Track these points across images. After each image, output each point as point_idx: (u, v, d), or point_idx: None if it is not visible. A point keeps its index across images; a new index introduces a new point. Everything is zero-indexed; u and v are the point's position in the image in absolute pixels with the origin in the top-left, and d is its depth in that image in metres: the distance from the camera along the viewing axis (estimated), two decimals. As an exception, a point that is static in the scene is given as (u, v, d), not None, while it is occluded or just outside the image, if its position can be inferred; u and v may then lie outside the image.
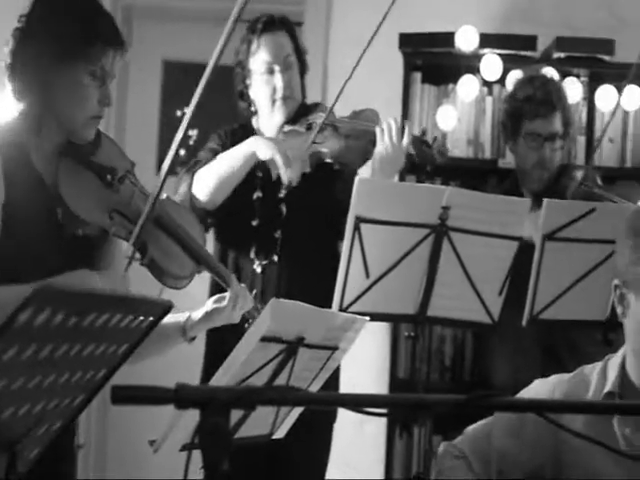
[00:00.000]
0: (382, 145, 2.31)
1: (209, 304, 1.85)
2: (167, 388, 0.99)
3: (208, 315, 1.84)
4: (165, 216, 1.80)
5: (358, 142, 2.40)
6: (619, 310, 1.64)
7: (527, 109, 2.77)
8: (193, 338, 1.85)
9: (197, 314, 1.85)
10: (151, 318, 1.20)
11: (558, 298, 2.23)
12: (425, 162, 2.40)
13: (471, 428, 1.76)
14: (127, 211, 1.73)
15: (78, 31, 1.64)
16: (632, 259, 1.58)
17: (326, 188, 2.46)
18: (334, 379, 2.45)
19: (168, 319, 1.53)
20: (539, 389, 1.74)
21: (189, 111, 1.70)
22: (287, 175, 2.30)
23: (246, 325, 1.87)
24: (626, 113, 3.26)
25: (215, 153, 2.47)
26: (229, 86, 2.57)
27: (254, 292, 2.06)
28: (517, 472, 1.71)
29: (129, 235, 1.68)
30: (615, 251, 2.18)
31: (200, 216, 2.42)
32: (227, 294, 1.84)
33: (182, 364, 2.45)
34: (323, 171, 2.43)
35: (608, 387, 1.65)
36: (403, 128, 2.35)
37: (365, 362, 3.24)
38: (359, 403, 1.19)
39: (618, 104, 3.18)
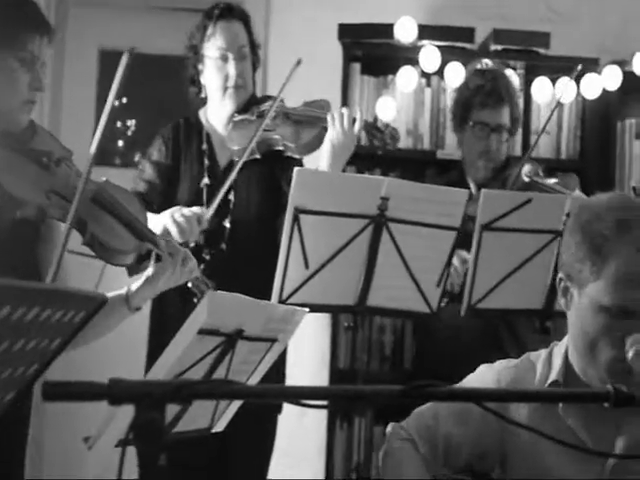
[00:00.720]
0: (334, 131, 2.32)
1: (150, 269, 1.84)
2: (100, 383, 0.97)
3: (150, 279, 1.83)
4: (103, 194, 1.80)
5: (310, 128, 2.40)
6: (562, 302, 1.66)
7: (476, 99, 2.81)
8: (138, 308, 1.83)
9: (139, 281, 1.83)
10: (84, 312, 1.17)
11: (495, 287, 2.26)
12: (377, 147, 2.42)
13: (419, 410, 1.77)
14: (64, 192, 1.73)
15: (3, 19, 1.66)
16: (577, 255, 1.60)
17: (275, 176, 2.46)
18: (279, 371, 2.45)
19: (110, 293, 1.52)
20: (485, 375, 1.75)
21: (108, 104, 1.68)
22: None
23: (195, 300, 1.86)
24: (561, 105, 3.32)
25: (156, 165, 2.44)
26: (169, 76, 2.54)
27: (201, 267, 2.04)
28: (462, 457, 1.73)
29: (67, 216, 1.68)
30: (554, 241, 2.25)
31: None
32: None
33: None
34: (274, 159, 2.42)
35: (553, 376, 1.67)
36: (355, 116, 2.36)
37: (305, 353, 3.25)
38: (297, 395, 1.19)
39: (554, 97, 3.23)
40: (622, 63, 3.23)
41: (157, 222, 2.28)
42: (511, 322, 2.74)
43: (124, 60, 1.68)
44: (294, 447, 3.25)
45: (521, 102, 3.21)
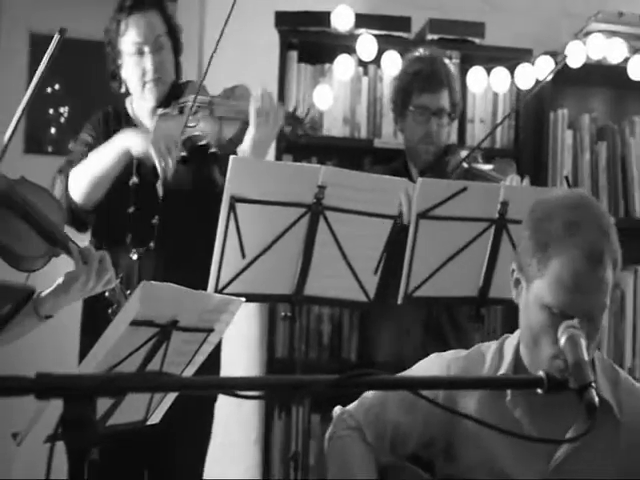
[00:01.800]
0: (254, 123, 2.28)
1: (61, 277, 1.79)
2: (26, 377, 0.94)
3: (60, 287, 1.78)
4: (11, 194, 1.73)
5: (231, 123, 2.36)
6: (513, 293, 1.67)
7: (416, 84, 2.82)
8: (48, 316, 1.78)
9: (49, 289, 1.79)
10: (10, 304, 1.13)
11: (432, 276, 2.27)
12: (297, 137, 2.39)
13: (368, 396, 1.77)
14: None
15: None
16: (527, 249, 1.61)
17: (203, 172, 2.42)
18: (215, 362, 2.42)
19: None
20: (434, 364, 1.76)
21: (29, 91, 1.62)
22: (162, 168, 2.25)
23: (109, 311, 1.81)
24: (495, 95, 3.35)
25: (89, 147, 2.39)
26: (103, 61, 2.48)
27: (121, 276, 2.00)
28: (408, 445, 1.74)
29: None
30: (489, 229, 2.27)
31: (79, 217, 2.34)
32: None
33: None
34: (199, 154, 2.38)
35: (503, 369, 1.68)
36: (276, 107, 2.32)
37: (243, 343, 3.23)
38: (233, 386, 1.17)
39: (489, 86, 3.27)
40: (554, 54, 3.28)
41: (138, 147, 2.24)
42: (451, 310, 2.77)
43: (55, 40, 1.63)
44: (231, 437, 3.23)
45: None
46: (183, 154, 2.31)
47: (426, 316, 2.76)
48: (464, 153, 2.76)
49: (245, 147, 2.30)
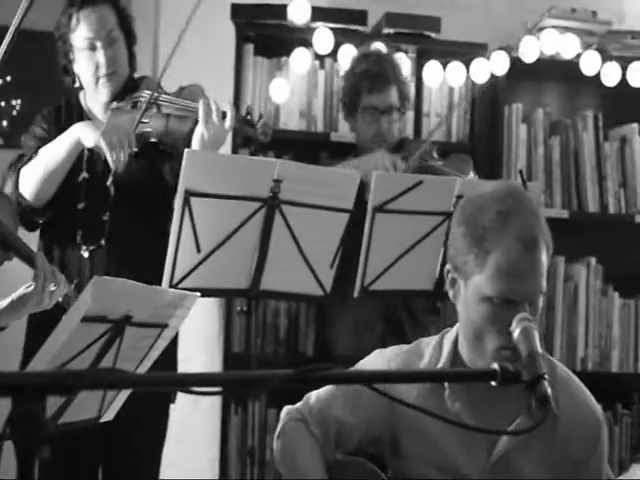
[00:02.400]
0: (203, 125, 2.25)
1: (18, 291, 1.76)
2: (-27, 376, 0.92)
3: (15, 302, 1.75)
4: None
5: (182, 122, 2.33)
6: (450, 294, 1.68)
7: (363, 84, 2.81)
8: (2, 328, 1.74)
9: (3, 302, 1.75)
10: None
11: (387, 269, 2.28)
12: (248, 142, 2.37)
13: (314, 395, 1.77)
14: None
15: None
16: (462, 247, 1.62)
17: (154, 168, 2.39)
18: (171, 357, 2.40)
19: None
20: (377, 360, 1.77)
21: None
22: (114, 161, 2.21)
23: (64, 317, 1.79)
24: (451, 89, 3.37)
25: (41, 140, 2.34)
26: (56, 54, 2.44)
27: (74, 282, 1.97)
28: (352, 442, 1.75)
29: None
30: (445, 223, 2.28)
31: (28, 215, 2.29)
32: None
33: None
34: (151, 151, 2.35)
35: (441, 363, 1.69)
36: (226, 110, 2.28)
37: (199, 338, 3.20)
38: (188, 383, 1.16)
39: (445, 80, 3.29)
40: (509, 49, 3.30)
41: (89, 138, 2.21)
42: (409, 304, 2.78)
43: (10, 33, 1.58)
44: (188, 434, 3.21)
45: (413, 86, 3.24)
46: (134, 149, 2.29)
47: (384, 309, 2.77)
48: (418, 148, 2.77)
49: (195, 143, 2.28)
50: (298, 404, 1.79)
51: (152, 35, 3.39)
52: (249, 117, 2.32)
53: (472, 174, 2.63)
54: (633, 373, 3.34)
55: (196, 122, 2.27)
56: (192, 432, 3.23)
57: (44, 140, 2.35)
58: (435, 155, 2.85)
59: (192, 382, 1.16)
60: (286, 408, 1.80)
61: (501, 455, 1.66)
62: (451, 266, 1.67)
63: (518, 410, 1.64)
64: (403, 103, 2.86)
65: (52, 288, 1.80)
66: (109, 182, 2.30)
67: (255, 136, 2.31)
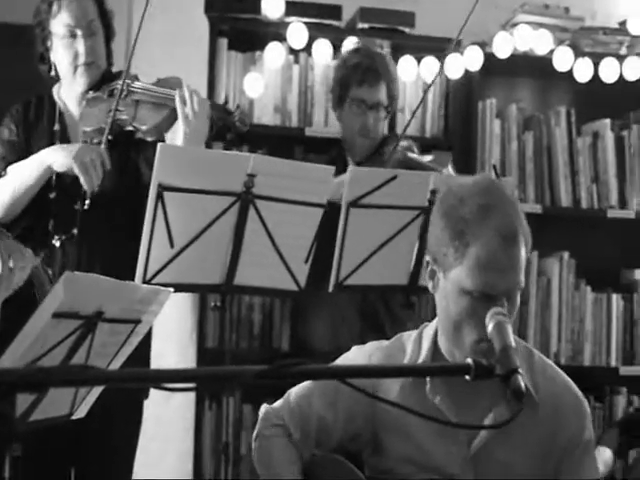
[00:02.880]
0: (183, 114, 2.24)
1: None
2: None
3: None
4: None
5: (161, 109, 2.32)
6: (430, 285, 1.68)
7: (354, 76, 2.83)
8: None
9: None
10: None
11: (362, 264, 2.27)
12: (226, 130, 2.36)
13: (292, 393, 1.76)
14: None
15: None
16: (442, 240, 1.62)
17: (130, 157, 2.37)
18: (144, 353, 2.38)
19: None
20: (356, 356, 1.76)
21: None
22: (88, 183, 2.19)
23: (34, 292, 1.77)
24: (425, 84, 3.38)
25: (9, 145, 2.32)
26: (29, 46, 2.41)
27: (41, 255, 1.95)
28: (334, 439, 1.74)
29: None
30: (419, 217, 2.28)
31: None
32: None
33: None
34: (126, 139, 2.33)
35: (422, 358, 1.69)
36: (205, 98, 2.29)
37: (172, 333, 3.18)
38: (160, 379, 1.15)
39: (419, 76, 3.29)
40: (483, 45, 3.31)
41: (60, 163, 2.19)
42: (387, 299, 2.78)
43: None
44: (161, 429, 3.19)
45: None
46: (109, 138, 2.27)
47: (362, 304, 2.77)
48: (403, 144, 2.78)
49: (178, 137, 2.27)
50: (277, 403, 1.78)
51: (125, 31, 3.35)
52: (227, 105, 2.32)
53: (450, 167, 2.64)
54: (605, 367, 3.37)
55: (174, 110, 2.26)
56: (165, 428, 3.21)
57: (12, 144, 2.33)
58: (416, 150, 2.86)
59: (165, 378, 1.15)
60: (264, 407, 1.79)
61: (480, 447, 1.66)
62: (430, 258, 1.66)
63: (498, 400, 1.64)
64: (391, 103, 2.87)
65: (21, 264, 1.78)
66: (86, 204, 2.28)
67: (233, 124, 2.31)
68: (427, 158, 2.76)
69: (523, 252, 1.60)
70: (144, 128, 2.31)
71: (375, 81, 2.82)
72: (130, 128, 2.32)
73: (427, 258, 1.67)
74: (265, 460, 1.75)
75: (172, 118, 2.31)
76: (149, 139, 2.31)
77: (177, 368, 1.44)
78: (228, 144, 2.59)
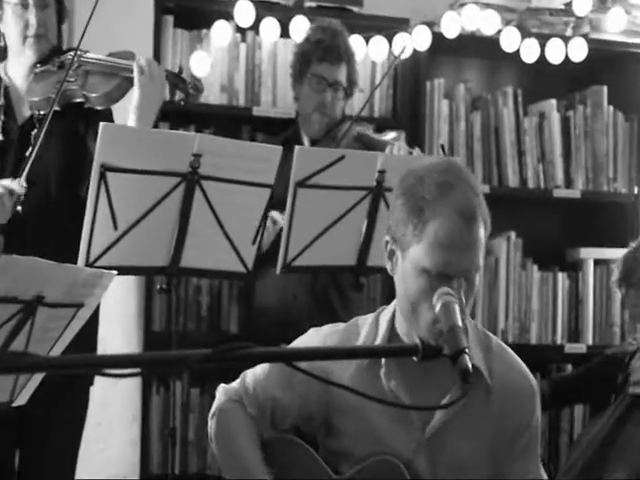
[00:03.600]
0: (140, 82, 2.21)
1: None
2: None
3: None
4: None
5: (112, 78, 2.30)
6: (389, 266, 1.67)
7: (315, 52, 2.82)
8: None
9: None
10: None
11: (310, 245, 2.26)
12: (180, 98, 2.36)
13: (250, 373, 1.75)
14: None
15: None
16: (400, 218, 1.61)
17: (79, 132, 2.32)
18: (91, 337, 2.34)
19: None
20: (312, 339, 1.75)
21: None
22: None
23: None
24: (374, 64, 3.36)
25: None
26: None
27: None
28: (288, 420, 1.74)
29: None
30: (367, 198, 2.27)
31: None
32: None
33: None
34: (76, 113, 2.29)
35: (378, 340, 1.69)
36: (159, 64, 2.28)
37: (118, 317, 3.14)
38: (102, 364, 1.13)
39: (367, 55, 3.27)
40: (431, 24, 3.31)
41: None
42: (338, 280, 2.77)
43: None
44: (107, 414, 3.14)
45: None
46: (57, 109, 2.22)
47: (312, 286, 2.76)
48: (360, 128, 2.77)
49: (132, 108, 2.24)
50: (234, 383, 1.77)
51: (69, 9, 3.27)
52: (181, 74, 2.32)
53: (401, 143, 2.64)
54: (551, 345, 3.42)
55: (125, 79, 2.23)
56: (111, 412, 3.17)
57: None
58: (371, 130, 2.86)
59: (108, 364, 1.13)
60: (222, 387, 1.78)
61: (435, 431, 1.66)
62: (390, 237, 1.65)
63: (452, 385, 1.64)
64: (350, 85, 2.86)
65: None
66: (31, 136, 2.23)
67: (187, 90, 2.30)
68: (391, 135, 2.75)
69: (482, 232, 1.60)
70: (93, 96, 2.28)
71: (336, 60, 2.82)
72: (80, 99, 2.29)
73: (386, 238, 1.66)
74: (224, 432, 1.73)
75: (124, 87, 2.29)
76: (98, 107, 2.28)
77: (120, 354, 1.41)
78: (179, 122, 2.57)
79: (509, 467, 1.69)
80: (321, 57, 2.81)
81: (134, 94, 2.25)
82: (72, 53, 2.30)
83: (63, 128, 2.28)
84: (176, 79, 2.35)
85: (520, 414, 1.69)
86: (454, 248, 1.56)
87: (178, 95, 2.38)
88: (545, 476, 2.52)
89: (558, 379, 3.08)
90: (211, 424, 1.76)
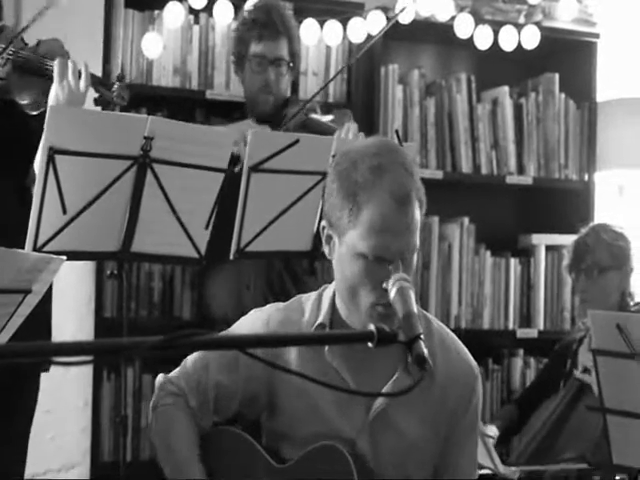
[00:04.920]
0: (58, 84, 2.12)
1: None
2: None
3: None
4: None
5: (37, 80, 2.20)
6: (326, 250, 1.66)
7: (252, 32, 2.78)
8: None
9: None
10: None
11: (264, 230, 2.24)
12: (104, 104, 2.28)
13: (190, 360, 1.73)
14: None
15: None
16: (336, 203, 1.61)
17: (16, 124, 2.25)
18: (43, 324, 2.29)
19: None
20: (255, 319, 1.74)
21: None
22: None
23: None
24: (328, 48, 3.34)
25: None
26: None
27: None
28: (233, 404, 1.73)
29: None
30: (321, 183, 2.26)
31: None
32: None
33: None
34: (5, 109, 2.22)
35: (320, 319, 1.68)
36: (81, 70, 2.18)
37: (69, 303, 3.08)
38: (50, 352, 1.10)
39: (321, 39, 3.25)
40: (385, 9, 3.30)
41: None
42: (292, 266, 2.76)
43: None
44: (57, 402, 3.09)
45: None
46: None
47: (267, 271, 2.74)
48: (309, 106, 2.75)
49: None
50: (174, 372, 1.75)
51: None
52: (105, 79, 2.23)
53: (351, 124, 2.62)
54: (503, 330, 3.46)
55: (50, 79, 2.16)
56: (62, 400, 3.12)
57: None
58: (318, 111, 2.84)
59: (58, 351, 1.10)
60: (161, 377, 1.76)
61: (379, 412, 1.67)
62: (326, 222, 1.65)
63: (397, 365, 1.65)
64: (293, 59, 2.82)
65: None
66: None
67: (111, 98, 2.23)
68: (327, 118, 2.74)
69: (417, 213, 1.59)
70: (21, 100, 2.19)
71: (274, 35, 2.77)
72: (8, 97, 2.20)
73: (323, 223, 1.66)
74: (163, 434, 1.72)
75: (47, 89, 2.19)
76: (32, 113, 2.20)
77: (70, 341, 1.38)
78: (131, 105, 2.50)
79: (447, 453, 1.71)
80: (258, 36, 2.77)
81: (52, 91, 2.12)
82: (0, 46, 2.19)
83: (3, 122, 2.20)
84: (99, 85, 2.24)
85: (461, 395, 1.70)
86: (389, 232, 1.56)
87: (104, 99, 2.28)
88: (496, 457, 2.56)
89: (520, 397, 3.12)
90: (151, 417, 1.75)
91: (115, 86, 2.23)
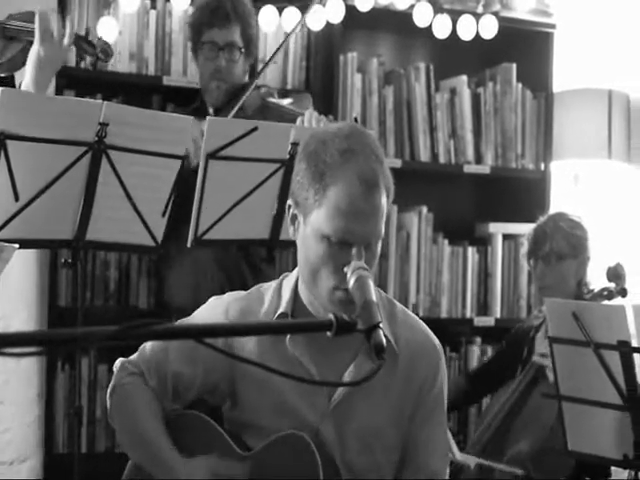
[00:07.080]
0: (40, 42, 2.11)
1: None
2: None
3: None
4: None
5: (15, 43, 2.17)
6: (290, 231, 1.65)
7: (203, 19, 2.76)
8: None
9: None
10: None
11: (222, 218, 2.22)
12: (91, 63, 2.26)
13: (149, 346, 1.71)
14: None
15: None
16: (303, 183, 1.60)
17: None
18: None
19: None
20: (214, 308, 1.72)
21: None
22: None
23: None
24: (286, 35, 3.31)
25: None
26: None
27: None
28: (191, 393, 1.71)
29: None
30: (280, 170, 2.25)
31: None
32: None
33: None
34: None
35: (281, 308, 1.67)
36: (65, 26, 2.16)
37: (22, 293, 3.02)
38: (0, 343, 1.06)
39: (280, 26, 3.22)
40: (345, -3, 3.28)
41: None
42: (249, 254, 2.74)
43: None
44: (10, 393, 3.03)
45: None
46: None
47: (224, 260, 2.72)
48: (262, 90, 2.72)
49: (28, 68, 2.13)
50: (133, 356, 1.72)
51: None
52: (88, 37, 2.21)
53: (311, 109, 2.61)
54: (461, 318, 3.48)
55: (30, 43, 2.13)
56: (15, 391, 3.06)
57: None
58: (275, 95, 2.81)
59: (7, 342, 1.06)
60: (119, 361, 1.73)
61: (341, 398, 1.66)
62: (292, 202, 1.64)
63: (359, 350, 1.64)
64: (247, 45, 2.78)
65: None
66: None
67: (96, 54, 2.21)
68: (286, 101, 2.72)
69: (383, 200, 1.59)
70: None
71: (225, 21, 2.74)
72: None
73: (289, 202, 1.64)
74: (125, 409, 1.69)
75: (26, 52, 2.17)
76: (1, 74, 2.16)
77: (21, 331, 1.35)
78: (87, 90, 2.47)
79: (415, 433, 1.70)
80: (209, 22, 2.74)
81: (31, 55, 2.12)
82: None
83: None
84: (84, 43, 2.25)
85: (425, 372, 1.70)
86: (354, 215, 1.55)
87: (87, 60, 2.28)
88: (453, 444, 2.57)
89: (473, 372, 3.14)
90: (110, 402, 1.72)
91: (99, 42, 2.21)
